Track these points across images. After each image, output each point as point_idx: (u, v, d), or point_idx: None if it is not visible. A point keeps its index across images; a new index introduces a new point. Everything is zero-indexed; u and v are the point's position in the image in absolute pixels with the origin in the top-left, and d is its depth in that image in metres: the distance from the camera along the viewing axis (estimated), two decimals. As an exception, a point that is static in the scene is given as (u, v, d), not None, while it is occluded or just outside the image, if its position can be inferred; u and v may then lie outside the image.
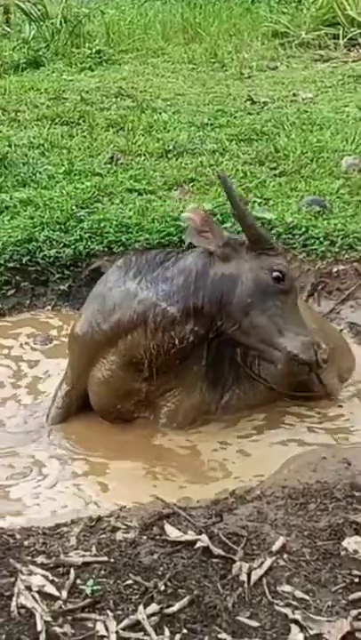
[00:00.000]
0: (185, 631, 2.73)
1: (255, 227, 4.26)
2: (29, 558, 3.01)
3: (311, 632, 2.74)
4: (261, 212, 5.84)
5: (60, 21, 10.59)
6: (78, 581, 2.90)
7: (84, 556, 3.02)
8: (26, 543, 3.10)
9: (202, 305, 4.19)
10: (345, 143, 7.23)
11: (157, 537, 3.13)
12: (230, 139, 7.47)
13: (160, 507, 3.33)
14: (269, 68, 9.98)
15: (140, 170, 6.82)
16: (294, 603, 2.85)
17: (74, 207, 6.06)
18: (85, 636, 2.71)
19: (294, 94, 8.84)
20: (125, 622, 2.75)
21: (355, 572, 2.99)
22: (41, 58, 9.99)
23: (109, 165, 6.92)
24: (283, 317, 4.18)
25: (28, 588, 2.85)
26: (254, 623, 2.77)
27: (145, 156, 7.15)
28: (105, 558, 3.01)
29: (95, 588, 2.86)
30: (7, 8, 11.43)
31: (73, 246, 5.73)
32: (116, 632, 2.71)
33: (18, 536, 3.15)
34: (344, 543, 3.11)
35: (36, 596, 2.83)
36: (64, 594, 2.84)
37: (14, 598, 2.81)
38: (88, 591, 2.85)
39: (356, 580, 2.96)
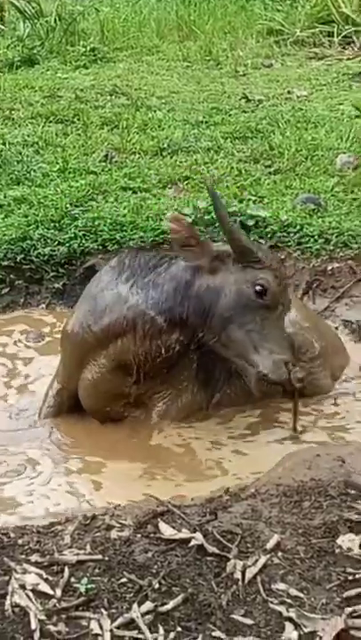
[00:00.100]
0: (179, 629, 2.73)
1: (240, 239, 4.18)
2: (23, 557, 3.01)
3: (305, 630, 2.74)
4: (256, 209, 5.84)
5: (55, 19, 10.56)
6: (72, 580, 2.90)
7: (78, 554, 3.02)
8: (20, 542, 3.10)
9: (187, 315, 4.19)
10: (340, 141, 7.23)
11: (152, 535, 3.13)
12: (225, 136, 7.46)
13: (154, 505, 3.33)
14: (264, 66, 9.96)
15: (134, 168, 6.82)
16: (289, 600, 2.85)
17: (68, 205, 6.05)
18: (80, 635, 2.71)
19: (289, 92, 8.83)
20: (120, 620, 2.74)
21: (349, 570, 2.99)
22: (35, 56, 9.96)
23: (104, 163, 6.91)
24: (261, 333, 4.11)
25: (22, 587, 2.85)
26: (249, 621, 2.77)
27: (139, 154, 7.14)
28: (99, 556, 3.00)
29: (89, 586, 2.86)
30: (1, 6, 11.39)
31: (67, 244, 5.73)
32: (111, 630, 2.71)
33: (12, 534, 3.15)
34: (338, 541, 3.11)
35: (30, 594, 2.83)
36: (58, 592, 2.84)
37: (8, 597, 2.81)
38: (82, 589, 2.85)
39: (351, 577, 2.96)
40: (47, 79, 9.16)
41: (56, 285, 5.68)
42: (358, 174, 6.58)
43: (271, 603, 2.84)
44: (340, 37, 10.50)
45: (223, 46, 10.42)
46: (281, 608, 2.81)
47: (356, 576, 2.96)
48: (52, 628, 2.71)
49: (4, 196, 6.28)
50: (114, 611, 2.78)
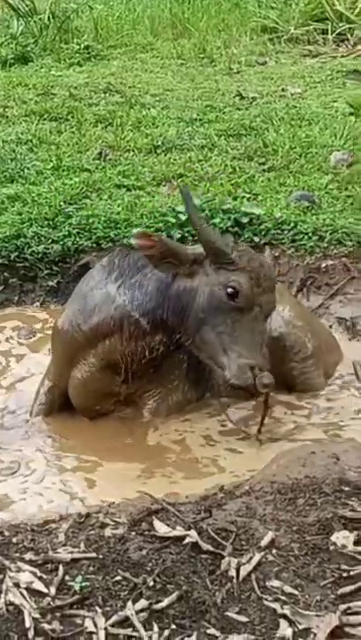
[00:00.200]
0: (174, 627, 2.73)
1: (212, 240, 4.11)
2: (18, 555, 3.01)
3: (300, 627, 2.74)
4: (250, 207, 5.83)
5: (49, 17, 10.53)
6: (67, 578, 2.90)
7: (72, 552, 3.02)
8: (14, 540, 3.10)
9: (166, 316, 4.18)
10: (334, 138, 7.22)
11: (146, 533, 3.13)
12: (219, 134, 7.45)
13: (149, 502, 3.33)
14: (258, 64, 9.95)
15: (128, 165, 6.81)
16: (283, 598, 2.85)
17: (62, 203, 6.04)
18: (74, 633, 2.71)
19: (283, 89, 8.82)
20: (114, 618, 2.75)
21: (343, 567, 2.99)
22: (29, 53, 9.93)
23: (98, 161, 6.90)
24: (232, 336, 4.04)
25: (17, 585, 2.85)
26: (243, 618, 2.77)
27: (133, 151, 7.13)
28: (93, 554, 3.00)
29: (84, 584, 2.86)
30: (-5, 3, 11.37)
31: (61, 242, 5.71)
32: (105, 628, 2.71)
33: (6, 533, 3.15)
34: (333, 538, 3.12)
35: (25, 592, 2.83)
36: (52, 590, 2.84)
37: (2, 595, 2.81)
38: (77, 587, 2.85)
39: (345, 574, 2.96)
40: (41, 77, 9.14)
41: (50, 283, 5.67)
42: (352, 172, 6.58)
43: (266, 600, 2.84)
44: (334, 35, 10.50)
45: (217, 44, 10.40)
46: (275, 605, 2.81)
47: (351, 573, 2.97)
48: (46, 626, 2.72)
49: (-2, 194, 6.27)
50: (108, 608, 2.79)
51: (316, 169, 6.69)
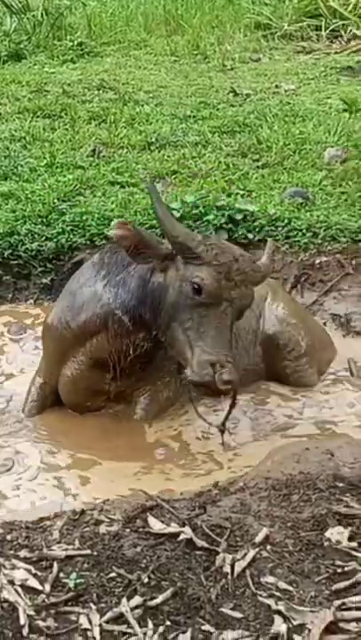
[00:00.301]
0: (168, 623, 2.73)
1: (175, 235, 4.03)
2: (12, 552, 3.01)
3: (294, 622, 2.74)
4: (244, 203, 5.83)
5: (42, 14, 10.52)
6: (61, 575, 2.90)
7: (67, 549, 3.02)
8: (9, 537, 3.10)
9: (145, 313, 4.16)
10: (327, 135, 7.23)
11: (141, 529, 3.13)
12: (213, 131, 7.45)
13: (143, 499, 3.33)
14: (252, 60, 9.95)
15: (122, 162, 6.80)
16: (278, 594, 2.86)
17: (56, 200, 6.03)
18: (69, 630, 2.71)
19: (277, 86, 8.83)
20: (109, 615, 2.75)
21: (338, 563, 3.00)
22: (22, 50, 9.92)
23: (91, 158, 6.89)
24: (197, 332, 3.97)
25: (11, 582, 2.85)
26: (238, 614, 2.77)
27: (127, 148, 7.12)
28: (88, 551, 3.00)
29: (78, 581, 2.86)
30: (-12, 0, 11.35)
31: (55, 239, 5.70)
32: (100, 625, 2.71)
33: (0, 530, 3.14)
34: (327, 534, 3.12)
35: (19, 589, 2.83)
36: (47, 587, 2.84)
37: (-3, 592, 2.81)
38: (71, 584, 2.85)
39: (339, 570, 2.97)
40: (34, 74, 9.13)
41: (44, 281, 5.66)
42: (346, 168, 6.58)
43: (260, 596, 2.84)
44: (327, 31, 10.51)
45: (211, 40, 10.40)
46: (270, 601, 2.82)
47: (345, 569, 2.97)
48: (41, 623, 2.71)
49: (-8, 192, 6.26)
50: (103, 605, 2.79)
51: (310, 165, 6.70)
